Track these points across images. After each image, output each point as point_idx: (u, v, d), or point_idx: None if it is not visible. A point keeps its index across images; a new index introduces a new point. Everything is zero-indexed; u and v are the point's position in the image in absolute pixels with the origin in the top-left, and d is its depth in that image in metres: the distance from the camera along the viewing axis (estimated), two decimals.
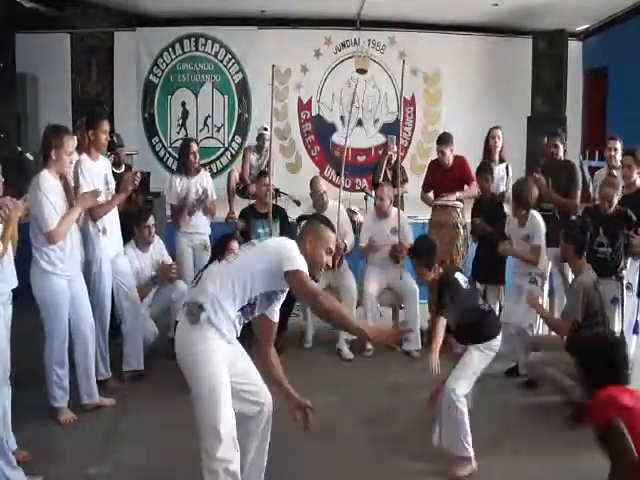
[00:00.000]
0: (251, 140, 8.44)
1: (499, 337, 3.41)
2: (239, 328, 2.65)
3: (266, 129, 7.00)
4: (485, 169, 5.16)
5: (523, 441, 3.58)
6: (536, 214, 4.57)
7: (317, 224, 2.76)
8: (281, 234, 5.29)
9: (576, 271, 4.07)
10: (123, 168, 5.61)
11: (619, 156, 5.10)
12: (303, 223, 2.91)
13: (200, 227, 5.41)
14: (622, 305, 4.21)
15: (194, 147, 5.52)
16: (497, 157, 5.62)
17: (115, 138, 5.53)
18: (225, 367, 2.54)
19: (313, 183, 5.47)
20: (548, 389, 4.18)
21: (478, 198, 5.28)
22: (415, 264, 3.58)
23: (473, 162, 5.61)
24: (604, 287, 4.17)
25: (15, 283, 3.25)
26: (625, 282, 4.27)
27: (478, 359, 3.34)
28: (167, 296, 4.79)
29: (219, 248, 4.49)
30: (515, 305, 4.47)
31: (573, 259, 4.04)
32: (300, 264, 2.56)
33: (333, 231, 2.78)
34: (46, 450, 3.38)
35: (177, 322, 4.38)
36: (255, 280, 2.57)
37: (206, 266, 4.54)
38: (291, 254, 2.56)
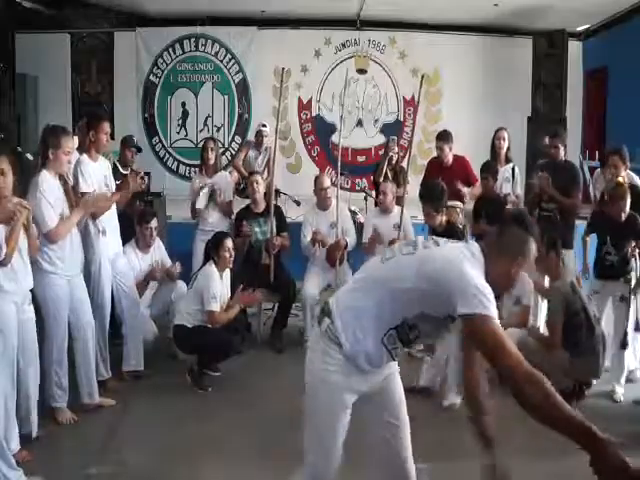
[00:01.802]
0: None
1: None
2: (394, 353, 2.07)
3: (265, 125, 6.98)
4: (488, 168, 5.19)
5: (523, 441, 3.57)
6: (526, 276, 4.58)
7: (527, 239, 2.01)
8: (278, 233, 5.29)
9: (554, 278, 4.15)
10: (129, 170, 5.61)
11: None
12: (502, 226, 2.10)
13: (217, 226, 5.38)
14: (629, 304, 4.28)
15: (209, 145, 5.53)
16: (503, 158, 5.60)
17: (135, 139, 5.58)
18: (343, 416, 2.17)
19: (317, 180, 5.47)
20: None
21: (480, 197, 5.28)
22: (423, 207, 3.60)
23: (473, 161, 5.61)
24: (612, 287, 4.32)
25: (30, 283, 3.26)
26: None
27: None
28: (167, 296, 4.81)
29: (213, 247, 4.48)
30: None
31: (554, 267, 4.11)
32: (487, 303, 1.79)
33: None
34: (46, 450, 3.36)
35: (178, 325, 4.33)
36: (411, 301, 1.94)
37: (201, 268, 4.54)
38: (470, 286, 1.81)
